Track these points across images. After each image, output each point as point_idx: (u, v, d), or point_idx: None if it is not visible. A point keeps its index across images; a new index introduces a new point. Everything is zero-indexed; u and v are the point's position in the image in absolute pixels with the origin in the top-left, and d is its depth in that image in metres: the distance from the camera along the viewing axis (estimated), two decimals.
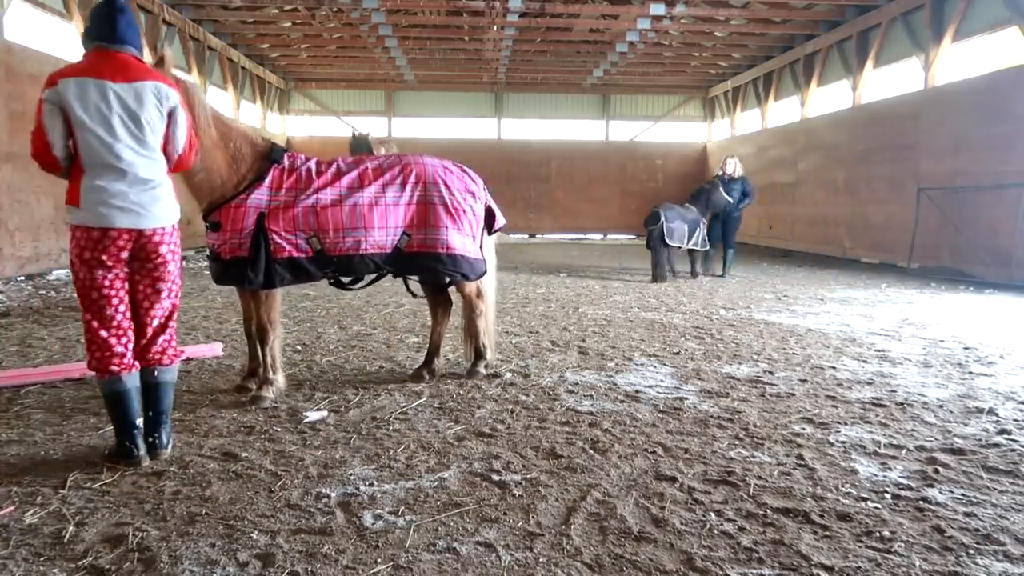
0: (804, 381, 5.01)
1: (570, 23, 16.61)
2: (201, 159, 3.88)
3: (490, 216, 4.88)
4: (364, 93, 24.25)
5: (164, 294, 3.41)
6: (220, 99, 18.48)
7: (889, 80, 15.02)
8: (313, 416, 4.06)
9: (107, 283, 3.23)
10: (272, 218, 4.09)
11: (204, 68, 16.69)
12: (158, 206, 3.28)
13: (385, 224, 4.37)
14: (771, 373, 5.25)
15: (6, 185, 9.61)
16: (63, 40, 11.83)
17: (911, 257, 12.83)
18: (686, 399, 4.53)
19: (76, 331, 6.56)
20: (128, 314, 3.34)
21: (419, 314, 7.68)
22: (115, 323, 3.27)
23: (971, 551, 2.60)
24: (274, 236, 4.09)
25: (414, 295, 5.12)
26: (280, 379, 4.43)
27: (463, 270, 4.62)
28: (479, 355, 5.03)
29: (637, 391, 4.71)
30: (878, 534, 2.72)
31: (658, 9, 14.96)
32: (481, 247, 4.76)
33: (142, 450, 3.31)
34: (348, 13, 15.49)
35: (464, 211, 4.60)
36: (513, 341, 6.32)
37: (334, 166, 4.39)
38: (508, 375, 5.08)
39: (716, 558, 2.53)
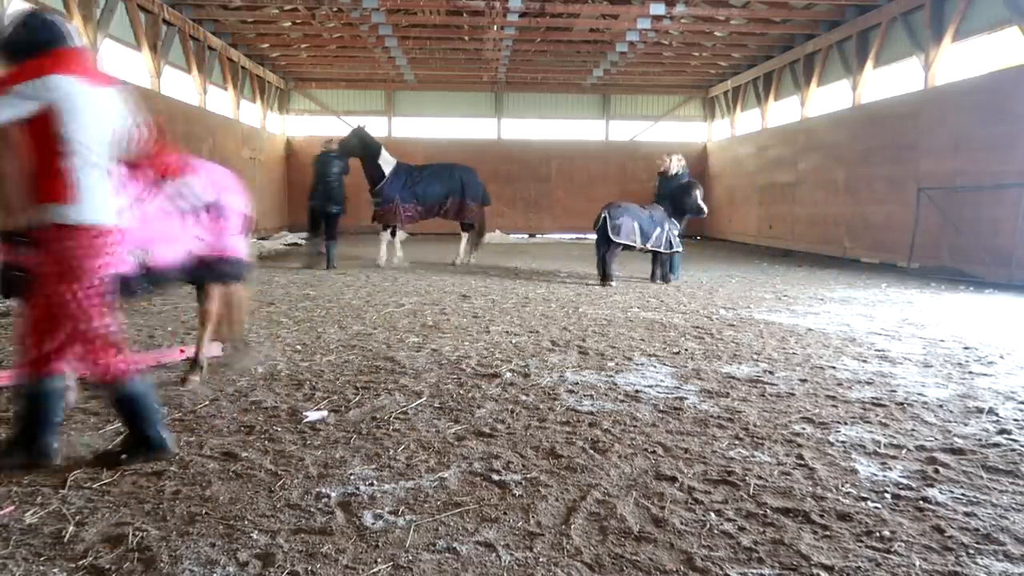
0: (804, 381, 5.02)
1: (570, 23, 16.61)
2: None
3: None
4: (364, 93, 24.24)
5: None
6: (220, 99, 18.51)
7: (889, 80, 15.02)
8: (313, 416, 4.06)
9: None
10: None
11: (204, 68, 16.71)
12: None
13: (191, 231, 4.27)
14: (771, 373, 5.25)
15: None
16: None
17: (911, 257, 12.84)
18: (686, 399, 4.53)
19: None
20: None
21: (419, 314, 7.69)
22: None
23: (971, 551, 2.60)
24: None
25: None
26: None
27: (242, 271, 4.72)
28: (196, 360, 4.91)
29: (637, 391, 4.71)
30: (878, 534, 2.72)
31: (658, 9, 14.96)
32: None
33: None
34: (348, 13, 15.49)
35: (240, 215, 4.60)
36: (513, 341, 6.32)
37: (144, 169, 4.00)
38: (508, 375, 5.08)
39: (716, 558, 2.53)
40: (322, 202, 12.13)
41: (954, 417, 4.20)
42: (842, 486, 3.16)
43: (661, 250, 10.74)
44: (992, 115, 11.23)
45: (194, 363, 4.84)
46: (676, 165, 11.45)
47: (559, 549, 2.58)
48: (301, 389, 4.65)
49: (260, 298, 8.73)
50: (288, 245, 19.30)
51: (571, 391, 4.70)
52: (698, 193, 10.86)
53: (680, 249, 11.03)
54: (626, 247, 10.51)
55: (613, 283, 10.55)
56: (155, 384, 4.71)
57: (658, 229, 10.59)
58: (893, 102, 14.08)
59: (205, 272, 4.51)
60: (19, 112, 3.06)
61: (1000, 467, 3.40)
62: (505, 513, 2.86)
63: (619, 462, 3.42)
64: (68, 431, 3.77)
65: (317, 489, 3.05)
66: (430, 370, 5.21)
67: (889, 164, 13.93)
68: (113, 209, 3.26)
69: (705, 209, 11.05)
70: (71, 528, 2.67)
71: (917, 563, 2.51)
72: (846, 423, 4.07)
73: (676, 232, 10.84)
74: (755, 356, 5.82)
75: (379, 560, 2.48)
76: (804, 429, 3.95)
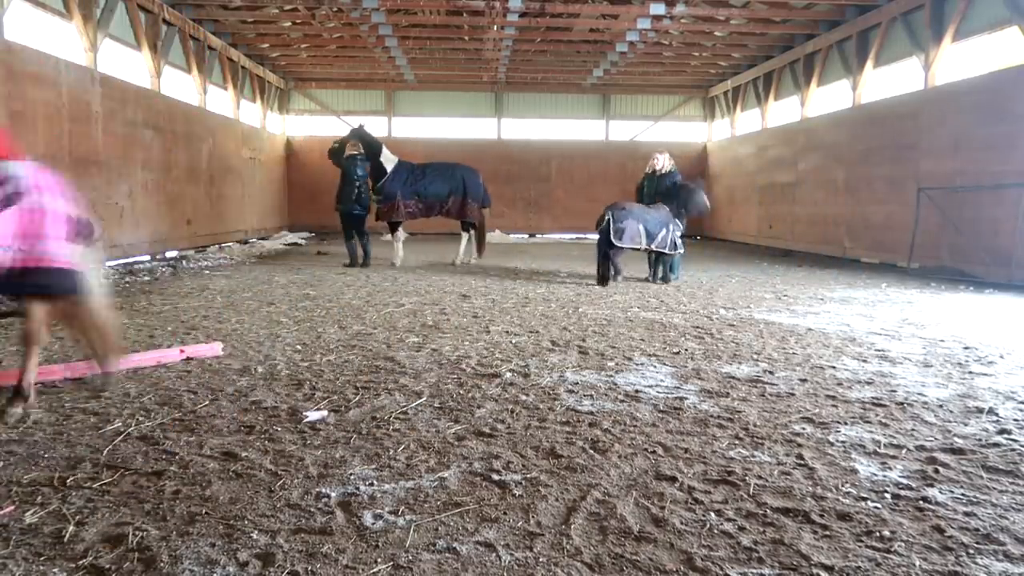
0: (804, 381, 5.01)
1: (570, 23, 16.61)
2: None
3: (84, 226, 4.25)
4: (364, 93, 24.24)
5: None
6: (220, 98, 18.51)
7: (889, 80, 15.02)
8: (313, 416, 4.06)
9: None
10: None
11: (204, 68, 16.70)
12: None
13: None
14: (771, 373, 5.25)
15: None
16: (63, 40, 11.83)
17: (911, 257, 12.83)
18: (686, 399, 4.53)
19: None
20: None
21: (419, 314, 7.68)
22: None
23: (971, 551, 2.60)
24: None
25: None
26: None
27: (73, 284, 4.11)
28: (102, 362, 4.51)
29: (637, 391, 4.71)
30: (878, 534, 2.72)
31: (658, 9, 14.96)
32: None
33: None
34: (348, 13, 15.49)
35: (66, 217, 4.08)
36: (513, 341, 6.32)
37: None
38: (508, 375, 5.08)
39: (716, 558, 2.53)
40: (349, 205, 12.47)
41: (954, 417, 4.20)
42: (842, 486, 3.16)
43: (666, 251, 10.71)
44: (992, 115, 11.23)
45: (16, 391, 4.03)
46: (668, 163, 11.52)
47: (559, 549, 2.58)
48: (301, 389, 4.65)
49: (260, 298, 8.74)
50: (288, 245, 19.30)
51: (571, 391, 4.70)
52: (703, 194, 11.00)
53: (683, 250, 11.04)
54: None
55: (616, 281, 10.56)
56: (153, 384, 4.72)
57: (663, 230, 10.55)
58: (893, 102, 14.08)
59: (19, 285, 3.95)
60: None
61: (1000, 467, 3.40)
62: (505, 513, 2.86)
63: (619, 462, 3.42)
64: (68, 431, 3.77)
65: (317, 489, 3.05)
66: (430, 370, 5.21)
67: (889, 164, 13.93)
68: None
69: (708, 206, 11.23)
70: (71, 528, 2.67)
71: (917, 563, 2.51)
72: (846, 423, 4.07)
73: (680, 233, 10.85)
74: (755, 356, 5.81)
75: (379, 560, 2.48)
76: (804, 429, 3.95)
